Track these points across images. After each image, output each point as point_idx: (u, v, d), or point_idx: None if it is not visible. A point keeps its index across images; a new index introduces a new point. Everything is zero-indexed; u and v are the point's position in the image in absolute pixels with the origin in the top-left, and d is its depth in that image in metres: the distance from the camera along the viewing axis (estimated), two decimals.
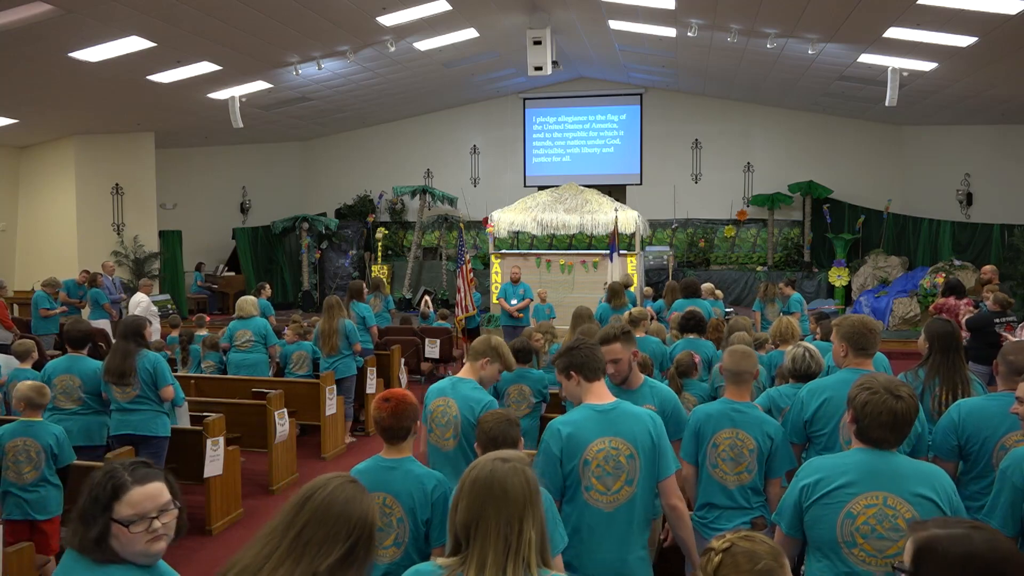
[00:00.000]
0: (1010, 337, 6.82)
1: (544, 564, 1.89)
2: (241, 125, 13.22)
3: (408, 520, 2.90)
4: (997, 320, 7.27)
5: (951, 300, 8.30)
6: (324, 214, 18.83)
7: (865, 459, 2.52)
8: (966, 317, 7.72)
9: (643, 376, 3.82)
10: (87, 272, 12.02)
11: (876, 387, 2.52)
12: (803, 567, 2.86)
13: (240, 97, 13.15)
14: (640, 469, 2.92)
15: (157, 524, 1.95)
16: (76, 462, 5.09)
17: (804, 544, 2.67)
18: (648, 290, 11.84)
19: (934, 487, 2.47)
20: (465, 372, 3.96)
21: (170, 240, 16.51)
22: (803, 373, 4.17)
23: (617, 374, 3.67)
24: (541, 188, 16.91)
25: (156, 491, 1.97)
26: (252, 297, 8.52)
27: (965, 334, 7.11)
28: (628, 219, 13.87)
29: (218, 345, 8.46)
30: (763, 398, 4.20)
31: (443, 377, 4.18)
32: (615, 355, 3.61)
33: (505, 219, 14.49)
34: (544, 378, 5.62)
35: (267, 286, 10.54)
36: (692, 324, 6.14)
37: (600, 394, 3.04)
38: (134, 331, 5.53)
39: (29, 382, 4.76)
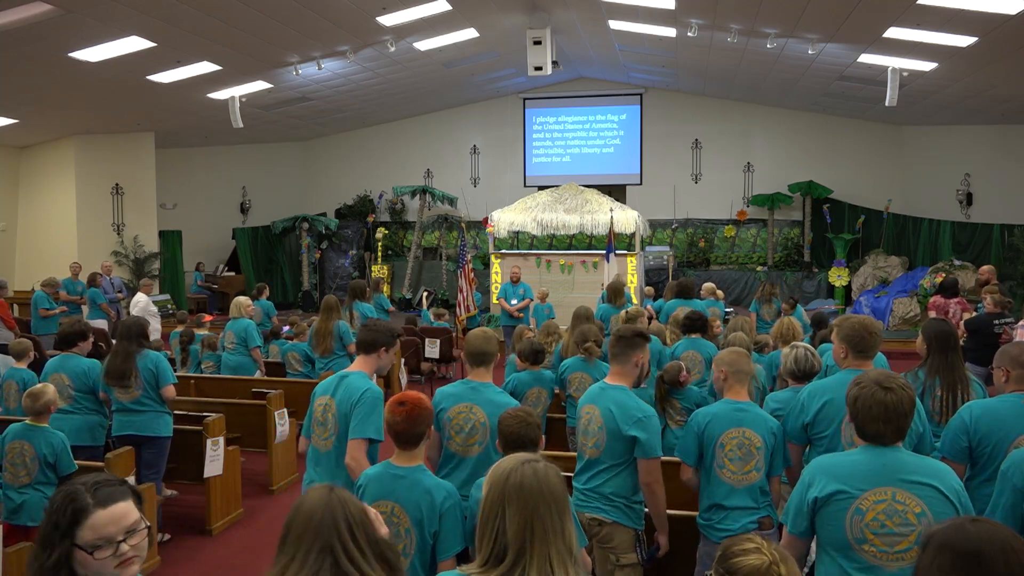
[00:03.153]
0: (1017, 338, 6.80)
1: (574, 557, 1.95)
2: (241, 125, 13.22)
3: (415, 531, 2.83)
4: (996, 322, 7.24)
5: (939, 299, 8.32)
6: (324, 214, 18.83)
7: (869, 456, 2.52)
8: (965, 318, 7.71)
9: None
10: (78, 264, 12.01)
11: (866, 382, 2.55)
12: (809, 560, 2.86)
13: (240, 97, 13.15)
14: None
15: (125, 547, 1.75)
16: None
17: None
18: (649, 290, 11.84)
19: (941, 480, 2.46)
20: (481, 376, 3.82)
21: (170, 240, 16.51)
22: (806, 372, 4.16)
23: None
24: (541, 188, 16.91)
25: (121, 512, 1.77)
26: (242, 298, 8.36)
27: (963, 334, 7.10)
28: (628, 219, 13.86)
29: (215, 345, 8.47)
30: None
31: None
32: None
33: (505, 219, 14.49)
34: (553, 378, 5.65)
35: (265, 287, 10.47)
36: (697, 325, 6.15)
37: None
38: (137, 332, 5.49)
39: (31, 388, 4.73)
